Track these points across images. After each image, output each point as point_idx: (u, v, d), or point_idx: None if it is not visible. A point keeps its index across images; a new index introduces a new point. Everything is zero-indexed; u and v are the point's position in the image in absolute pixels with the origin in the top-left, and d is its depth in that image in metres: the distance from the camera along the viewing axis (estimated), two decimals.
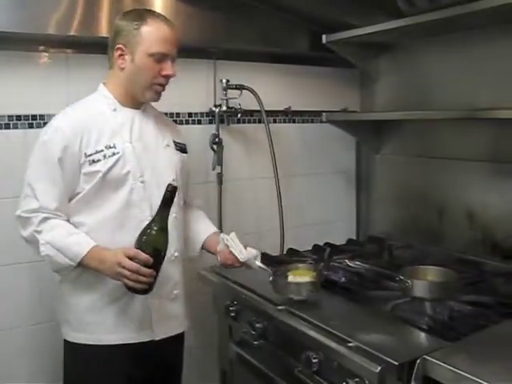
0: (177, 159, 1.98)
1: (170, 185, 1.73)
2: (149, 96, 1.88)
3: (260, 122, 2.63)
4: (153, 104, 1.98)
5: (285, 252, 2.40)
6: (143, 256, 1.67)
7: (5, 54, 2.09)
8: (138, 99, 1.89)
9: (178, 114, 2.48)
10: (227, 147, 2.56)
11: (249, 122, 2.66)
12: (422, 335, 1.49)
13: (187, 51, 2.41)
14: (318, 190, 2.89)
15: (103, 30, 2.18)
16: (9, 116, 2.14)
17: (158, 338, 1.87)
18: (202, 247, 2.06)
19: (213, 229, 2.11)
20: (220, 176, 2.55)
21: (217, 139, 2.52)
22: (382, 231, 2.78)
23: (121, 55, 1.82)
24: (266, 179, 2.64)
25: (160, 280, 1.78)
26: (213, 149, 2.52)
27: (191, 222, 2.10)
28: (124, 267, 1.67)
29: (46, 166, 1.78)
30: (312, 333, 1.55)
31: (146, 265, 1.67)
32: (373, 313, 1.68)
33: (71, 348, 1.89)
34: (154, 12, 1.90)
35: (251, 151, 2.68)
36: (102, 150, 1.79)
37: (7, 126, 2.14)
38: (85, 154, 1.77)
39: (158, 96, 1.90)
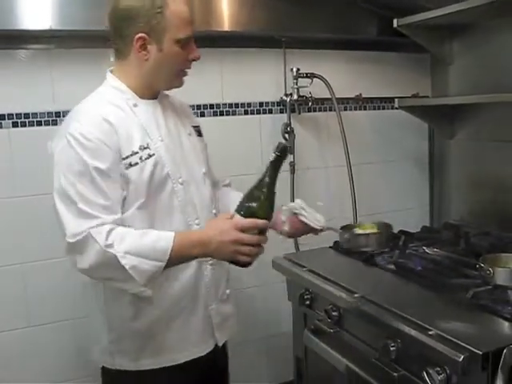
0: (201, 146, 1.79)
1: (280, 143, 1.52)
2: (176, 84, 1.68)
3: (331, 109, 2.63)
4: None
5: None
6: (261, 223, 1.49)
7: None
8: (160, 89, 1.68)
9: (248, 104, 2.50)
10: (299, 136, 2.57)
11: (320, 110, 2.66)
12: (506, 324, 1.44)
13: (256, 41, 2.45)
14: (391, 178, 2.86)
15: None
16: None
17: (220, 344, 1.77)
18: None
19: None
20: (292, 165, 2.56)
21: (288, 128, 2.53)
22: (457, 218, 2.72)
23: (142, 45, 1.56)
24: (338, 167, 2.65)
25: (215, 282, 1.72)
26: (284, 138, 2.53)
27: (230, 201, 1.85)
28: (243, 243, 1.48)
29: (90, 178, 1.49)
30: (390, 320, 1.53)
31: (261, 231, 1.50)
32: (452, 301, 1.63)
33: (123, 377, 1.67)
34: None
35: (323, 139, 2.68)
36: (137, 152, 1.55)
37: None
38: (121, 156, 1.53)
39: (182, 81, 1.69)
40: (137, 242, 1.48)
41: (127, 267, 1.45)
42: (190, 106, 2.32)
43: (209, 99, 2.41)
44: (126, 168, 1.53)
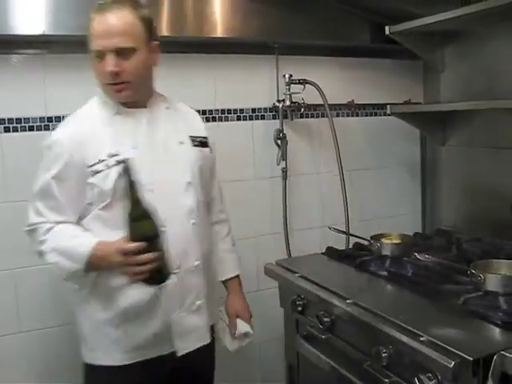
0: (194, 157, 1.82)
1: (122, 162, 1.59)
2: (112, 96, 1.72)
3: (323, 116, 2.63)
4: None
5: (350, 246, 2.39)
6: (131, 246, 1.54)
7: None
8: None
9: (241, 110, 2.51)
10: (291, 142, 2.57)
11: (312, 116, 2.66)
12: (497, 330, 1.45)
13: (249, 47, 2.46)
14: (383, 184, 2.87)
15: (163, 30, 2.22)
16: None
17: (180, 354, 1.77)
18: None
19: (230, 272, 2.05)
20: (285, 171, 2.56)
21: (281, 134, 2.54)
22: (449, 224, 2.72)
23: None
24: (330, 173, 2.65)
25: (180, 292, 1.74)
26: (277, 144, 2.54)
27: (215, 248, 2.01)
28: (127, 265, 1.56)
29: (47, 181, 1.68)
30: (382, 327, 1.53)
31: (142, 252, 1.54)
32: (443, 307, 1.64)
33: (89, 370, 1.80)
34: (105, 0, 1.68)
35: (315, 146, 2.69)
36: (104, 160, 1.65)
37: None
38: (87, 165, 1.65)
39: (120, 94, 1.70)
40: (64, 243, 1.67)
41: (49, 261, 1.68)
42: None
43: (201, 105, 2.40)
44: (92, 175, 1.66)
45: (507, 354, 1.28)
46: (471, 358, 1.28)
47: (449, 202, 2.82)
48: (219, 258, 2.01)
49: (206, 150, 1.89)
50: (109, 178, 1.65)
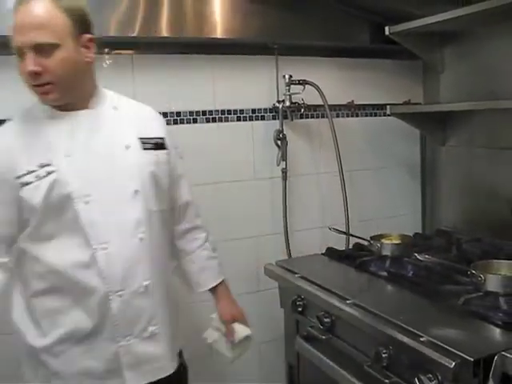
0: (144, 161, 1.60)
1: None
2: (40, 99, 1.54)
3: (323, 116, 2.62)
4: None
5: (350, 246, 2.39)
6: None
7: None
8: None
9: (241, 111, 2.50)
10: (291, 142, 2.56)
11: (312, 116, 2.65)
12: (497, 331, 1.46)
13: (249, 47, 2.46)
14: (383, 184, 2.86)
15: (163, 31, 2.22)
16: None
17: None
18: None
19: (216, 279, 1.89)
20: (284, 171, 2.55)
21: (281, 135, 2.53)
22: (449, 225, 2.72)
23: None
24: (330, 174, 2.64)
25: (127, 317, 1.55)
26: (277, 144, 2.53)
27: (190, 258, 1.86)
28: None
29: None
30: (382, 327, 1.54)
31: None
32: (443, 307, 1.65)
33: None
34: None
35: (315, 146, 2.68)
36: (34, 170, 1.47)
37: None
38: (15, 176, 1.48)
39: (47, 97, 1.51)
40: None
41: None
42: (183, 112, 2.34)
43: (201, 106, 2.40)
44: (21, 187, 1.48)
45: (508, 355, 1.29)
46: (472, 359, 1.29)
47: (449, 203, 2.82)
48: (201, 266, 1.86)
49: (162, 152, 1.67)
50: (38, 191, 1.47)
